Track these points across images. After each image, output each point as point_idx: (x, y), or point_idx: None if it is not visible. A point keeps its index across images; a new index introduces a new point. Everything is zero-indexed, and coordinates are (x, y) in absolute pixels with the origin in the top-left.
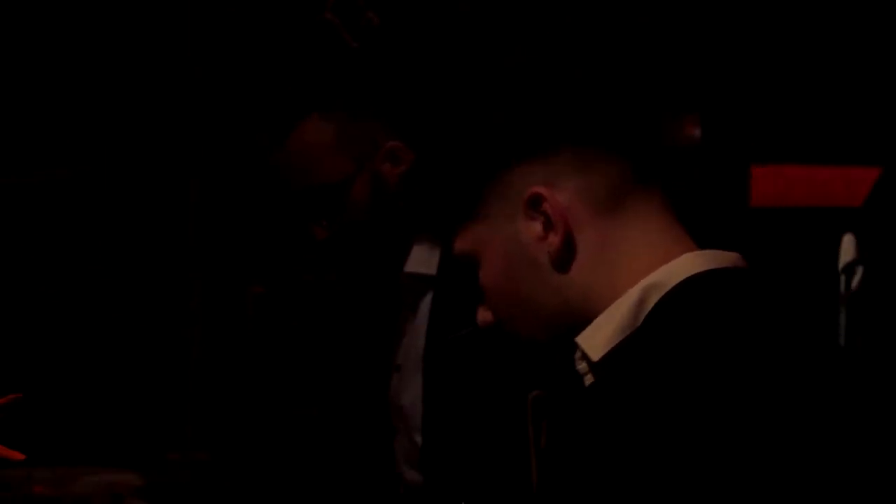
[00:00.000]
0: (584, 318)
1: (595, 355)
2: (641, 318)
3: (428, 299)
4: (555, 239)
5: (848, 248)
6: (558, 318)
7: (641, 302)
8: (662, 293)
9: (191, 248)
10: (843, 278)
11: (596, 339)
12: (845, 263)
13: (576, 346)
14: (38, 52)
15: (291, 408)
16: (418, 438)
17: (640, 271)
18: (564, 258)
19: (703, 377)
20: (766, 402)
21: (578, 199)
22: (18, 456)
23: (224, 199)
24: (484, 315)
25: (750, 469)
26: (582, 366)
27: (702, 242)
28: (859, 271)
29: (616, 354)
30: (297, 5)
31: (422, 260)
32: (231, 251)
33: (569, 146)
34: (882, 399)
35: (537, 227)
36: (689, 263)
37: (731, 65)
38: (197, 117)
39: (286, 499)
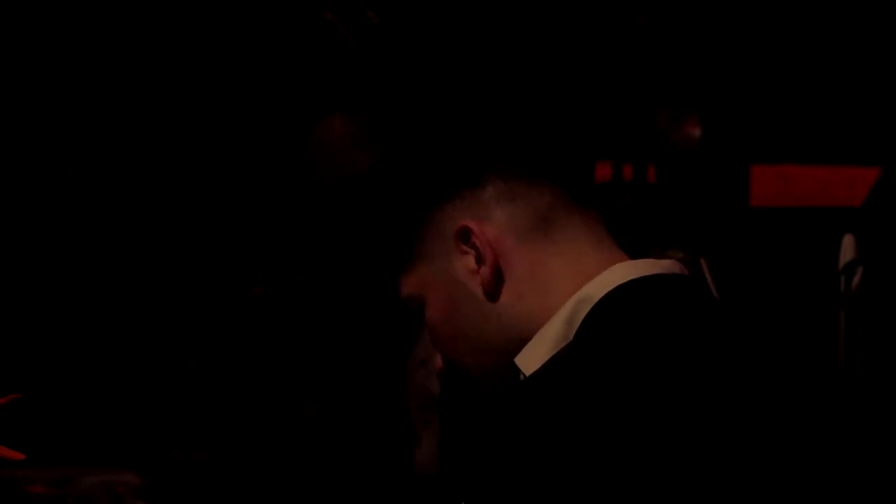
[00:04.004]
0: (524, 342)
1: (529, 371)
2: (573, 331)
3: None
4: (485, 271)
5: (848, 248)
6: (501, 346)
7: (572, 316)
8: (591, 305)
9: (191, 248)
10: (843, 278)
11: (531, 357)
12: (845, 263)
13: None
14: (45, 54)
15: (291, 407)
16: None
17: (570, 289)
18: (496, 288)
19: (624, 381)
20: (676, 404)
21: (505, 230)
22: (18, 456)
23: (224, 199)
24: (438, 362)
25: (645, 463)
26: None
27: (702, 242)
28: (859, 271)
29: (548, 367)
30: (297, 5)
31: None
32: (231, 251)
33: (492, 179)
34: (816, 403)
35: (470, 260)
36: (617, 274)
37: (731, 65)
38: (197, 117)
39: (286, 499)
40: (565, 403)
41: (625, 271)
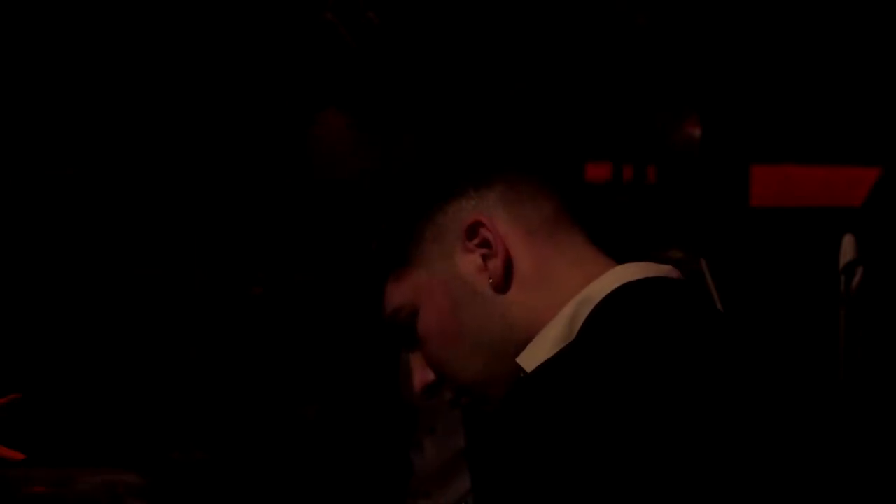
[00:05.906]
0: (528, 340)
1: (530, 368)
2: (575, 331)
3: None
4: (496, 263)
5: (848, 248)
6: (504, 344)
7: (574, 317)
8: (593, 306)
9: (191, 248)
10: (843, 278)
11: (533, 356)
12: (845, 263)
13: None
14: (45, 54)
15: (291, 407)
16: (457, 439)
17: (574, 289)
18: (505, 282)
19: (623, 380)
20: (672, 404)
21: (514, 226)
22: (18, 456)
23: (224, 199)
24: (422, 376)
25: (632, 461)
26: None
27: (702, 242)
28: (859, 271)
29: (548, 365)
30: (297, 5)
31: None
32: (231, 251)
33: (499, 180)
34: (808, 404)
35: (476, 258)
36: (617, 275)
37: (731, 65)
38: (197, 117)
39: (286, 499)
40: (564, 401)
41: (625, 274)
